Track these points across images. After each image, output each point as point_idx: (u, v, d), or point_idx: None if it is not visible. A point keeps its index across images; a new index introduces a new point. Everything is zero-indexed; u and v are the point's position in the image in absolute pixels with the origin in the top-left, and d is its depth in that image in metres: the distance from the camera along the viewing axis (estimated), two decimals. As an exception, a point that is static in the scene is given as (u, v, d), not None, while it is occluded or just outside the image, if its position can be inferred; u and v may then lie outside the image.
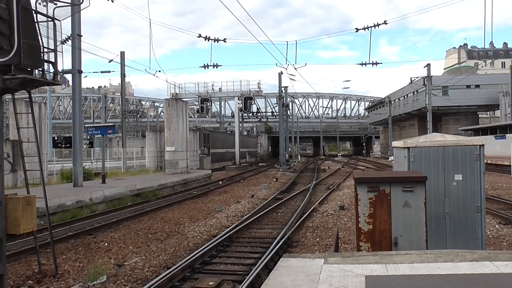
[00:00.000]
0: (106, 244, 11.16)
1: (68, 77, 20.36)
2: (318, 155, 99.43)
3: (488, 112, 66.65)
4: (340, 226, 12.53)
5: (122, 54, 34.37)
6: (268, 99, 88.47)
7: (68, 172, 23.58)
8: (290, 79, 54.87)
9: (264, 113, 75.90)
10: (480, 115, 62.49)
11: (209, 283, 7.66)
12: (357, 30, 23.99)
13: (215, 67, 28.57)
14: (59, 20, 7.61)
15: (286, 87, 51.10)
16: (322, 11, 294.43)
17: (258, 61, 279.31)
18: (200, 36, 23.95)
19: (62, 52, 8.09)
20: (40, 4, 11.05)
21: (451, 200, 7.28)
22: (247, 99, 47.16)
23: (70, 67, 20.88)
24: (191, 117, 71.69)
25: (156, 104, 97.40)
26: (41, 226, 11.87)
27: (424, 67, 38.19)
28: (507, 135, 35.39)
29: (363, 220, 6.41)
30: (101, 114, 40.71)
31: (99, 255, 10.10)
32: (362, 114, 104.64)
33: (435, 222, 7.21)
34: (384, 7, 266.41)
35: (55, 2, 14.96)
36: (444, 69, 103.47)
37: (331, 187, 23.61)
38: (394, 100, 66.42)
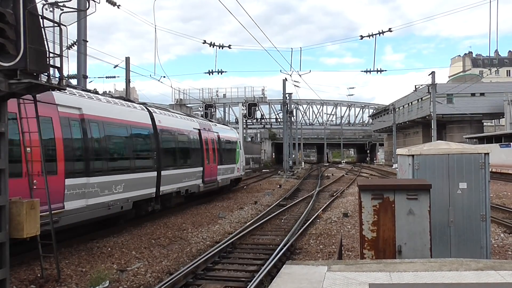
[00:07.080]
0: (108, 249, 11.14)
1: (74, 82, 20.43)
2: (322, 162, 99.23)
3: (493, 120, 66.45)
4: (344, 234, 12.47)
5: (127, 59, 34.46)
6: (272, 106, 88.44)
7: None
8: (295, 85, 54.92)
9: (268, 120, 75.92)
10: (485, 123, 62.34)
11: (212, 290, 7.63)
12: (362, 37, 24.05)
13: (219, 73, 28.73)
14: (65, 26, 7.67)
15: (290, 94, 51.12)
16: (328, 18, 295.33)
17: (263, 68, 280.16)
18: (205, 42, 24.08)
19: (67, 57, 8.14)
20: (46, 9, 11.13)
21: (456, 209, 7.24)
22: (251, 106, 47.28)
23: (76, 72, 21.01)
24: (195, 123, 71.61)
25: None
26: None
27: (429, 74, 37.98)
28: (512, 143, 35.24)
29: (367, 227, 6.39)
30: (105, 119, 40.80)
31: (101, 260, 10.08)
32: (366, 121, 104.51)
33: (440, 231, 7.16)
34: (390, 15, 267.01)
35: (61, 7, 15.04)
36: (449, 77, 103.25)
37: (334, 194, 23.54)
38: (399, 108, 66.32)
